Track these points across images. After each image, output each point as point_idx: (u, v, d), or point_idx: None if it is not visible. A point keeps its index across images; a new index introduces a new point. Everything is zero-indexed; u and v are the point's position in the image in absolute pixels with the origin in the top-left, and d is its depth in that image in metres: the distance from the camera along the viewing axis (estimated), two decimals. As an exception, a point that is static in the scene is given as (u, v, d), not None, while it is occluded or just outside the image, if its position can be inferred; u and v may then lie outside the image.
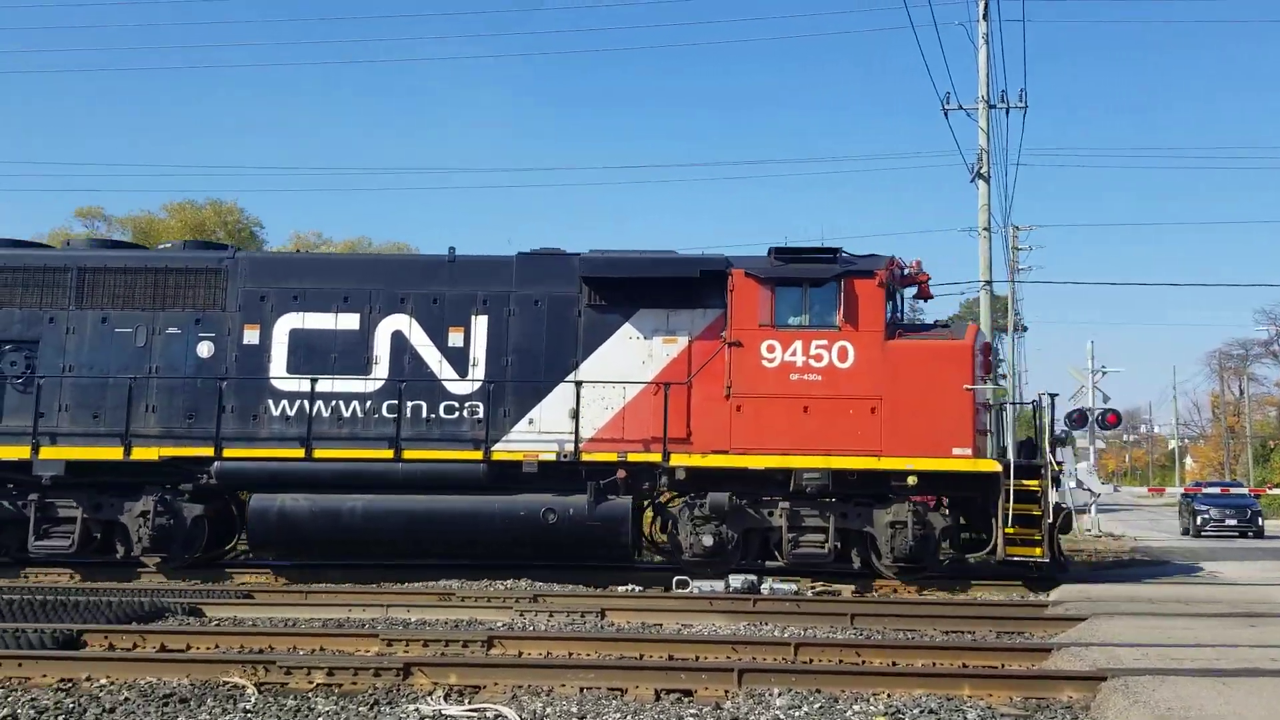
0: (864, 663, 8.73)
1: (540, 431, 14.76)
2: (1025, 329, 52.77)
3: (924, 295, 16.00)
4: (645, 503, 15.32)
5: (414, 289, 15.19)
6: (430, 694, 7.57)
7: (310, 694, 7.60)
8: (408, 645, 9.03)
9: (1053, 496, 14.40)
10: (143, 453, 14.70)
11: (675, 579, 14.05)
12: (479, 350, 15.02)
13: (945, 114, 27.52)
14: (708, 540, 14.28)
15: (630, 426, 14.67)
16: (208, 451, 14.66)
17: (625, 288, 14.84)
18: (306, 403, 14.82)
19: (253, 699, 7.45)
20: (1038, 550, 14.15)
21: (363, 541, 14.63)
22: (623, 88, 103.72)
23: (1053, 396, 15.31)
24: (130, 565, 15.03)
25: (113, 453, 14.69)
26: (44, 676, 8.04)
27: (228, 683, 7.83)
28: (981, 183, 27.54)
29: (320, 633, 9.71)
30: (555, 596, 12.45)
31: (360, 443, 14.74)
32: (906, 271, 15.82)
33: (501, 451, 14.56)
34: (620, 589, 13.83)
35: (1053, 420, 15.28)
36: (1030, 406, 16.16)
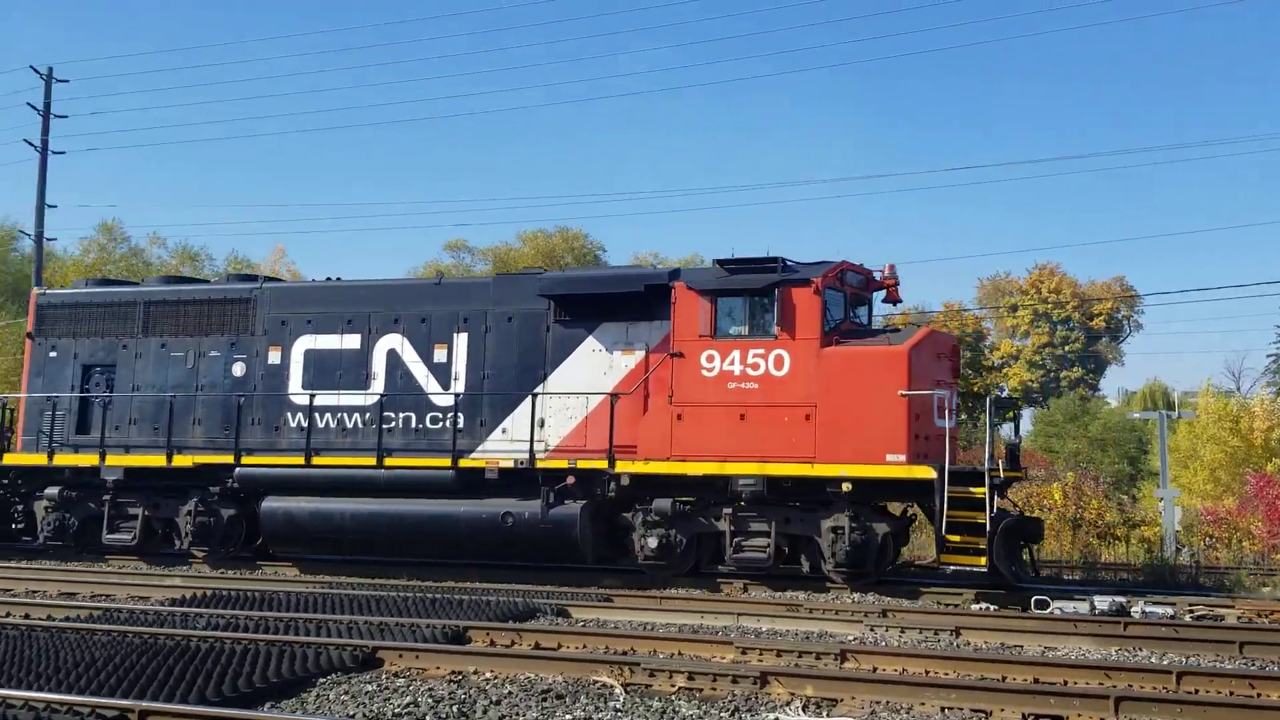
0: (1259, 695, 8.01)
1: (512, 440, 15.84)
2: None
3: (891, 299, 15.84)
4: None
5: (406, 310, 16.69)
6: (788, 704, 7.64)
7: (673, 696, 7.86)
8: (761, 654, 9.22)
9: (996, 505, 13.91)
10: (182, 460, 17.04)
11: (1034, 599, 13.14)
12: (460, 365, 16.31)
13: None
14: (652, 543, 14.90)
15: (592, 435, 15.48)
16: (230, 459, 16.79)
17: (584, 303, 15.68)
18: (316, 415, 16.66)
19: (620, 698, 7.72)
20: (981, 560, 13.79)
21: (354, 541, 16.29)
22: (949, 96, 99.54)
23: (1014, 400, 14.74)
24: (185, 556, 17.42)
25: (159, 460, 17.11)
26: (437, 668, 8.67)
27: (597, 681, 8.17)
28: None
29: (677, 638, 10.06)
30: (905, 612, 12.26)
31: (360, 452, 16.36)
32: (879, 276, 15.78)
33: (468, 460, 15.77)
34: (975, 607, 13.37)
35: (1017, 424, 14.74)
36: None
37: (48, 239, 33.51)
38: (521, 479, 15.52)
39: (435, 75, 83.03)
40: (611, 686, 8.05)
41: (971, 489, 13.98)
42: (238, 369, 17.35)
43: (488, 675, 8.46)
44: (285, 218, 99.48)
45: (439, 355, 16.43)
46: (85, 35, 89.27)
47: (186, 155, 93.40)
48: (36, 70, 32.72)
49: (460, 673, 8.54)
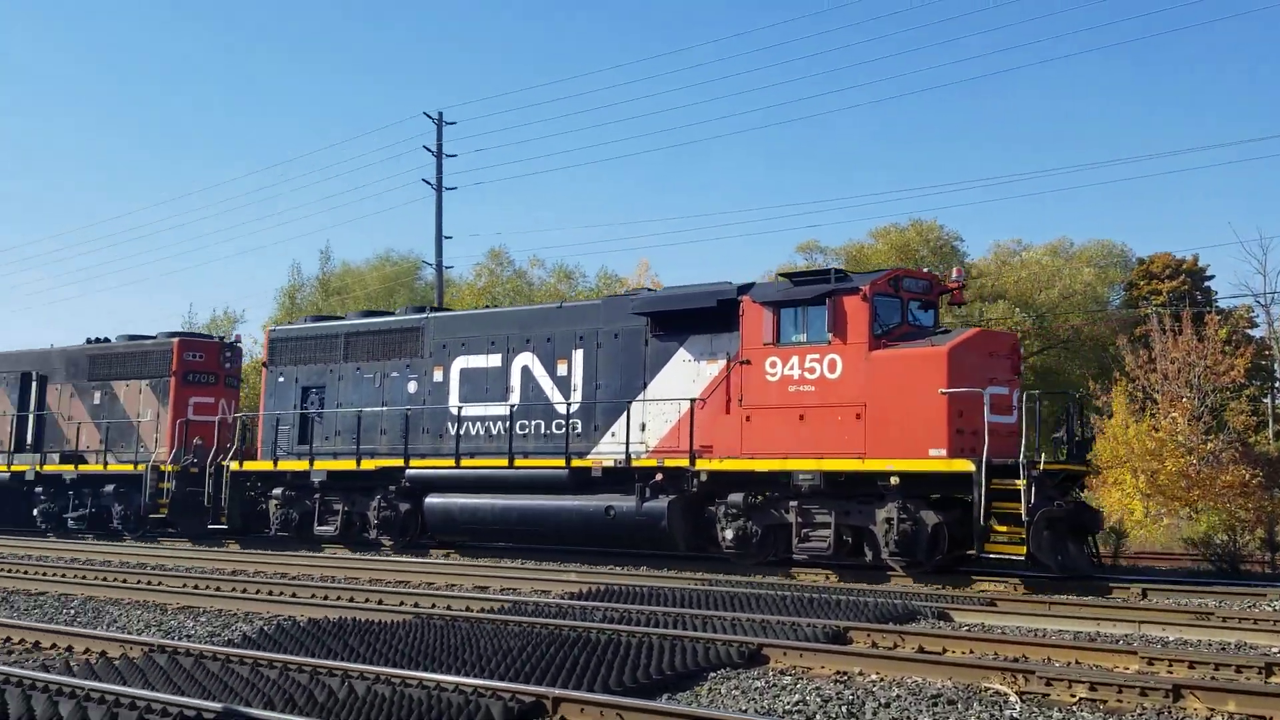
0: None
1: (620, 442, 17.91)
2: None
3: (956, 302, 16.57)
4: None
5: (535, 331, 19.24)
6: None
7: (1074, 708, 7.47)
8: (1171, 665, 8.69)
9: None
10: (368, 464, 20.45)
11: None
12: (578, 377, 18.63)
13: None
14: (729, 534, 16.48)
15: (683, 437, 17.27)
16: (401, 463, 19.99)
17: (672, 319, 17.55)
18: (469, 424, 19.57)
19: (1016, 707, 7.42)
20: (1021, 549, 14.36)
21: (494, 530, 19.00)
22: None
23: (1077, 397, 15.08)
24: (375, 544, 20.83)
25: (351, 464, 20.63)
26: (822, 668, 8.71)
27: (989, 688, 7.91)
28: None
29: (1073, 645, 9.60)
30: (1339, 622, 11.23)
31: (500, 454, 19.05)
32: (948, 280, 16.61)
33: (579, 460, 18.02)
34: None
35: (1076, 422, 15.04)
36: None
37: (446, 267, 37.59)
38: (623, 477, 17.58)
39: (779, 81, 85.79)
40: (1005, 694, 7.79)
41: (1015, 481, 14.57)
42: (411, 386, 20.59)
43: (873, 677, 8.43)
44: (649, 232, 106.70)
45: (560, 370, 18.83)
46: (468, 80, 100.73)
47: (562, 180, 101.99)
48: (429, 116, 36.94)
49: (845, 673, 8.56)
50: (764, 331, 16.42)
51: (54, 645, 10.26)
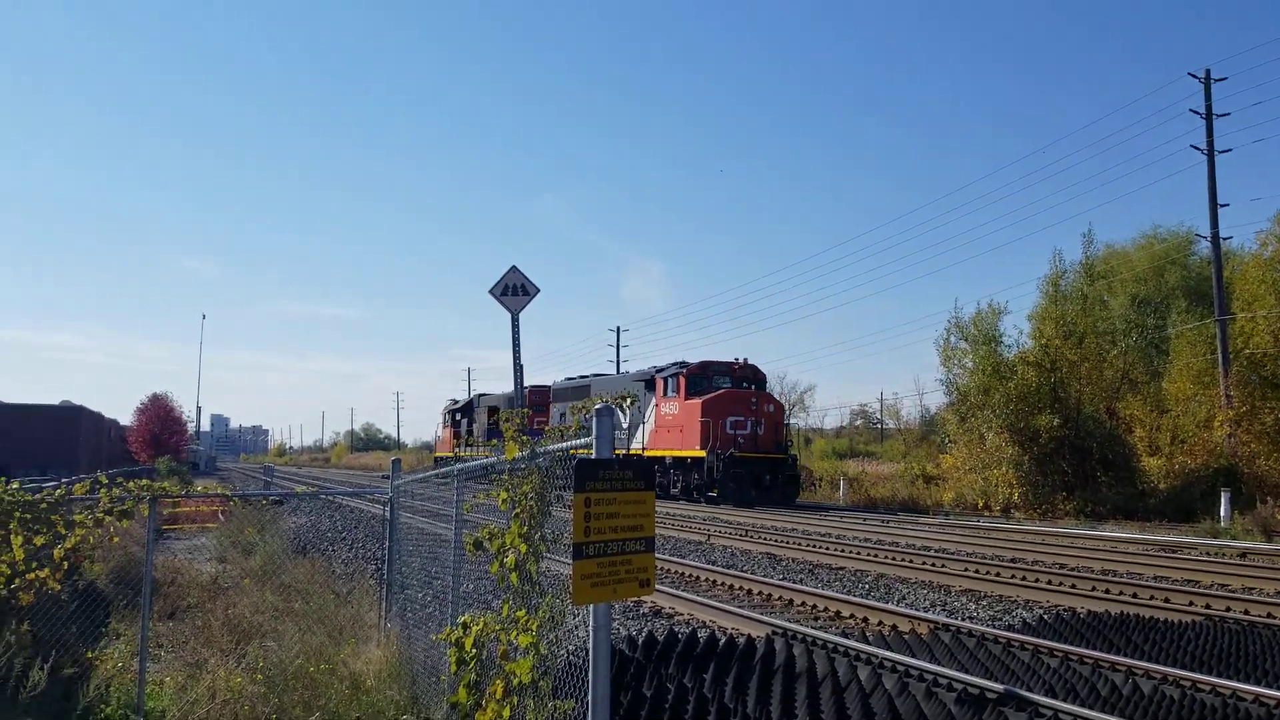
0: None
1: (636, 445, 37.22)
2: None
3: (743, 377, 33.52)
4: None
5: (618, 386, 39.08)
6: None
7: None
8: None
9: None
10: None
11: None
12: (632, 412, 38.15)
13: None
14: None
15: (649, 442, 36.23)
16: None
17: (648, 384, 36.48)
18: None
19: None
20: (714, 490, 31.55)
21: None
22: None
23: (786, 422, 31.81)
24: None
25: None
26: None
27: None
28: None
29: None
30: None
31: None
32: (736, 365, 33.88)
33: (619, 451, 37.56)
34: None
35: (787, 434, 31.63)
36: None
37: (1223, 238, 34.14)
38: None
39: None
40: None
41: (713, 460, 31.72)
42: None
43: None
44: None
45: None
46: (1236, 30, 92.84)
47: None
48: (1195, 76, 34.01)
49: None
50: (661, 390, 34.94)
51: (852, 615, 11.44)
